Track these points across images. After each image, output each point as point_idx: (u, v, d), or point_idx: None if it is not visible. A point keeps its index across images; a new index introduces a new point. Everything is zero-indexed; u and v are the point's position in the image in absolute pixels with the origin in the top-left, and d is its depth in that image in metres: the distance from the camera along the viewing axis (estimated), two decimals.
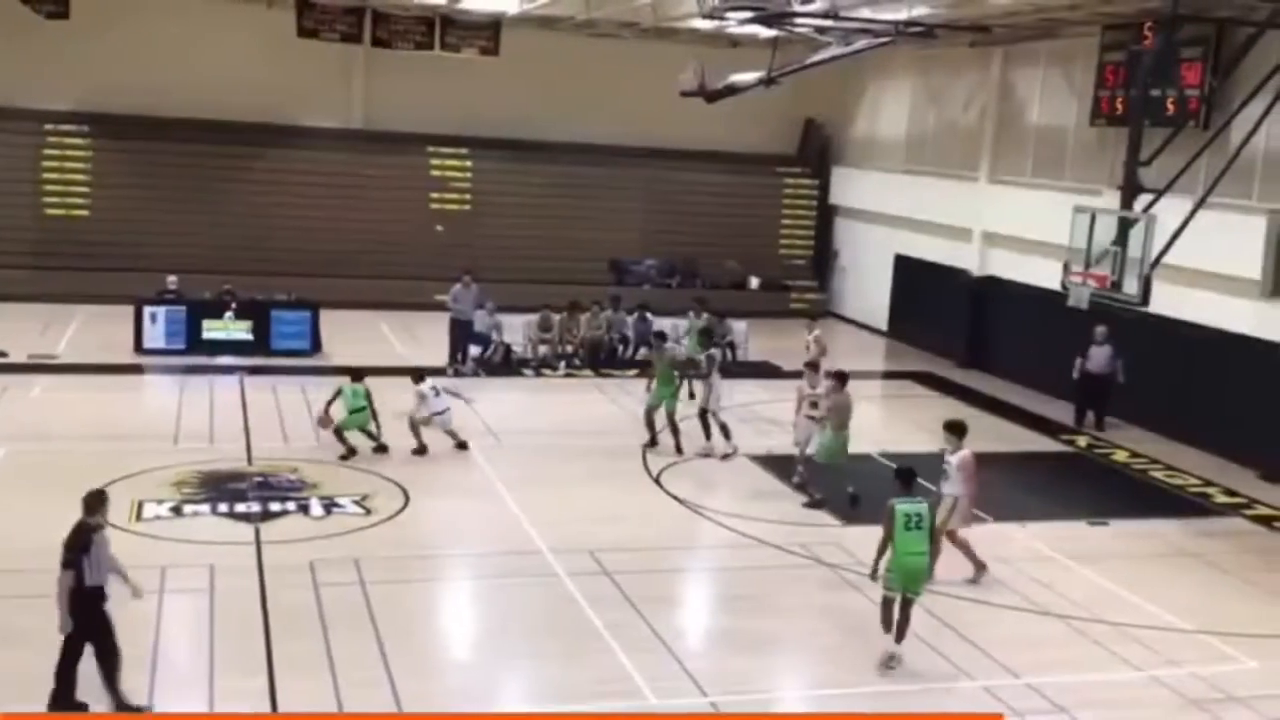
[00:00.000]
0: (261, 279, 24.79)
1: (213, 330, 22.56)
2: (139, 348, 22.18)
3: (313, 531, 13.65)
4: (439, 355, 22.19)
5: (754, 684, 10.77)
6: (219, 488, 14.93)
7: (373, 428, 16.86)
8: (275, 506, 14.41)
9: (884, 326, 29.05)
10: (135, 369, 21.54)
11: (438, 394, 17.09)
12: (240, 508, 14.32)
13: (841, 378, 15.96)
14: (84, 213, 27.45)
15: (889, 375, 25.50)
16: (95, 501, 9.47)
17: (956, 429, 13.17)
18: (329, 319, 23.58)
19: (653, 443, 17.70)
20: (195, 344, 22.35)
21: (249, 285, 23.96)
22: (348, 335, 23.70)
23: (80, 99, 27.75)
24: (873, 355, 27.34)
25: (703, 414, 17.71)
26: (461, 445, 17.10)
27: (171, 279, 23.25)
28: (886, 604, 11.05)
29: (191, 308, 22.68)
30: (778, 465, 17.28)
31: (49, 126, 27.65)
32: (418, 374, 17.28)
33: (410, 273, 27.82)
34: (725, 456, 17.50)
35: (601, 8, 25.33)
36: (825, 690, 10.75)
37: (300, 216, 28.19)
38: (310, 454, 16.52)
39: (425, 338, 23.48)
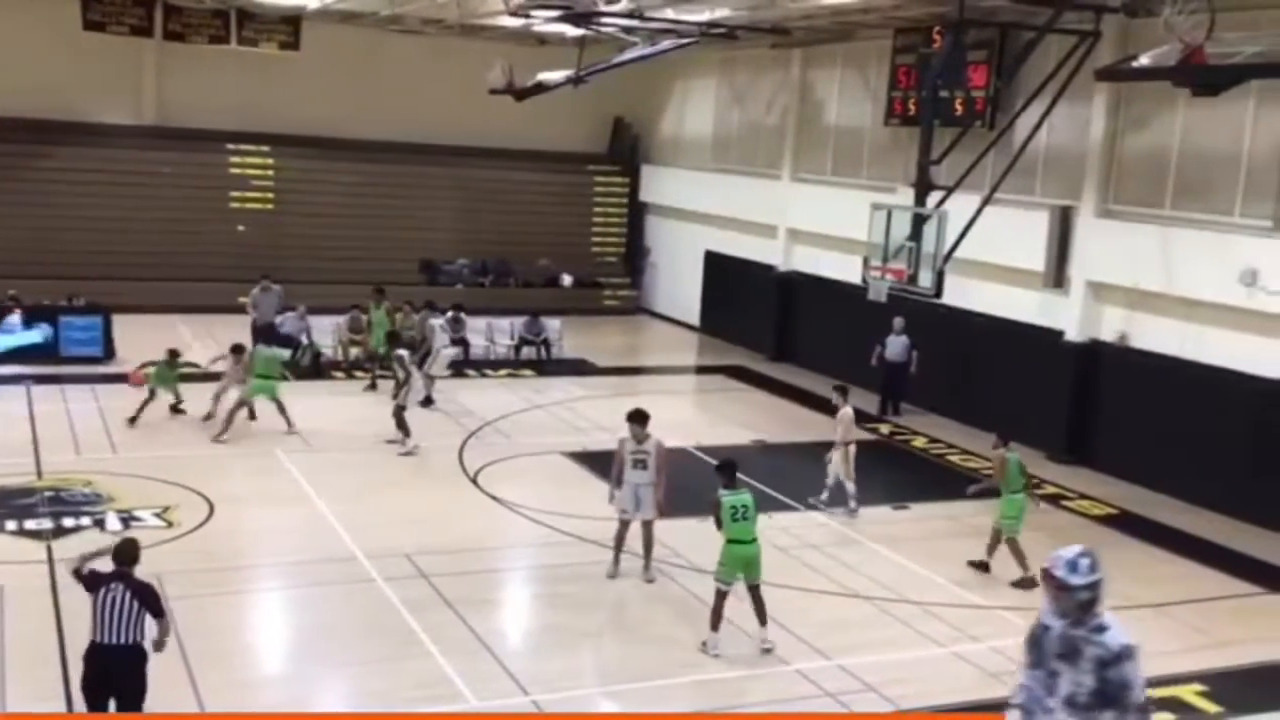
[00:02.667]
0: (50, 283, 23.57)
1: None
2: None
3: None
4: None
5: (576, 680, 10.82)
6: (6, 503, 14.10)
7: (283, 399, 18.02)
8: (69, 522, 13.69)
9: (696, 322, 29.55)
10: None
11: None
12: (30, 524, 13.57)
13: (1004, 439, 14.19)
14: None
15: (701, 370, 25.97)
16: (137, 552, 8.79)
17: (641, 418, 13.05)
18: (123, 323, 22.55)
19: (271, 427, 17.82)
20: None
21: (36, 290, 22.73)
22: (144, 340, 22.71)
23: None
24: (685, 350, 27.79)
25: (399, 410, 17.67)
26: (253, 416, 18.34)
27: None
28: (720, 597, 11.27)
29: None
30: (592, 461, 17.40)
31: None
32: (238, 349, 18.25)
33: (210, 274, 26.87)
34: (405, 453, 17.37)
35: (405, 4, 24.97)
36: (646, 682, 10.86)
37: (91, 217, 26.82)
38: (105, 466, 15.76)
39: (227, 341, 22.65)
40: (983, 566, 13.94)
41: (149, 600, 8.45)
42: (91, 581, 8.50)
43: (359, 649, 11.06)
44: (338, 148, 29.42)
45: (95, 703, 8.47)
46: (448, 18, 26.14)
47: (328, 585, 12.51)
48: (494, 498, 15.67)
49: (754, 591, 11.34)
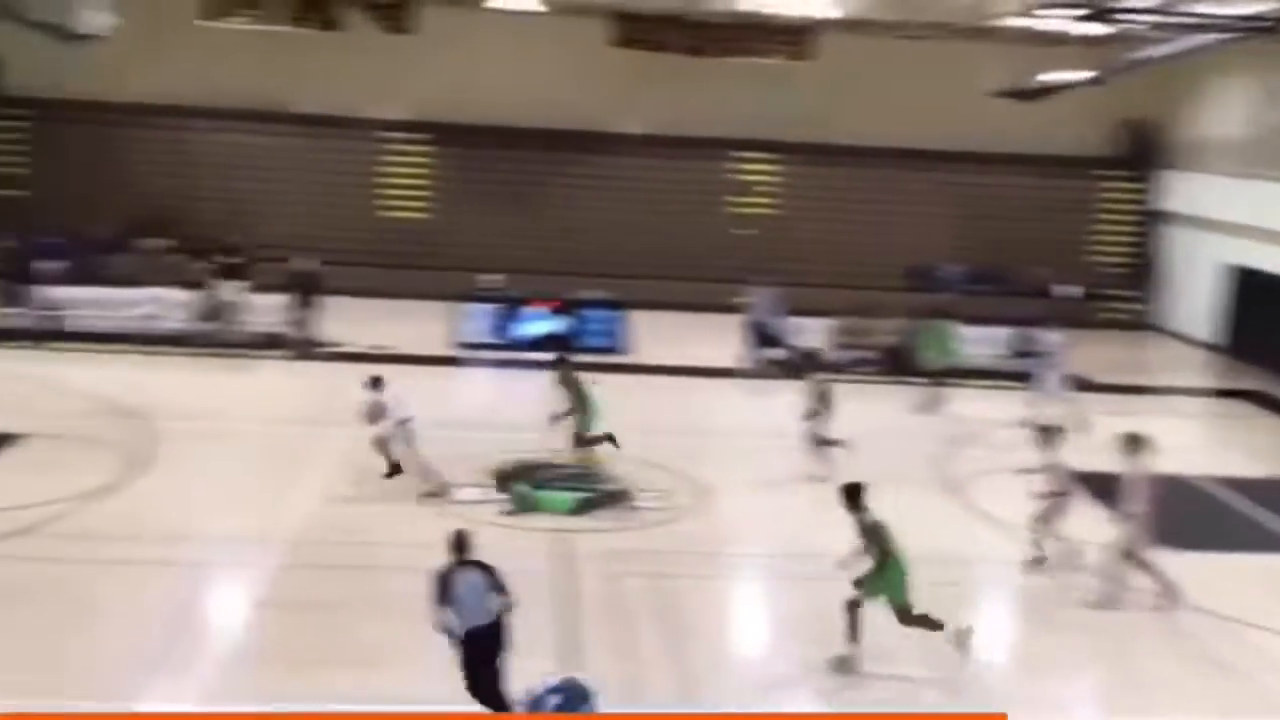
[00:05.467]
0: (563, 279, 25.43)
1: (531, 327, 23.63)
2: (461, 343, 23.32)
3: None
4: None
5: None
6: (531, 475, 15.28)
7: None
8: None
9: (1212, 340, 27.11)
10: (452, 361, 22.38)
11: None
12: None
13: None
14: (420, 215, 29.18)
15: (1219, 394, 23.63)
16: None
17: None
18: (632, 318, 24.06)
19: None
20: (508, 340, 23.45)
21: (550, 285, 24.85)
22: (655, 334, 23.90)
23: (418, 110, 29.32)
24: (1197, 371, 25.53)
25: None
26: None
27: (494, 278, 24.77)
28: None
29: (507, 304, 23.96)
30: None
31: (385, 135, 29.58)
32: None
33: (710, 275, 27.62)
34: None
35: (917, 11, 24.70)
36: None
37: (601, 220, 28.80)
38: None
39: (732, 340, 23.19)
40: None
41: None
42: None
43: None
44: (831, 154, 29.50)
45: None
46: (956, 21, 25.60)
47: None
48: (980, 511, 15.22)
49: None
